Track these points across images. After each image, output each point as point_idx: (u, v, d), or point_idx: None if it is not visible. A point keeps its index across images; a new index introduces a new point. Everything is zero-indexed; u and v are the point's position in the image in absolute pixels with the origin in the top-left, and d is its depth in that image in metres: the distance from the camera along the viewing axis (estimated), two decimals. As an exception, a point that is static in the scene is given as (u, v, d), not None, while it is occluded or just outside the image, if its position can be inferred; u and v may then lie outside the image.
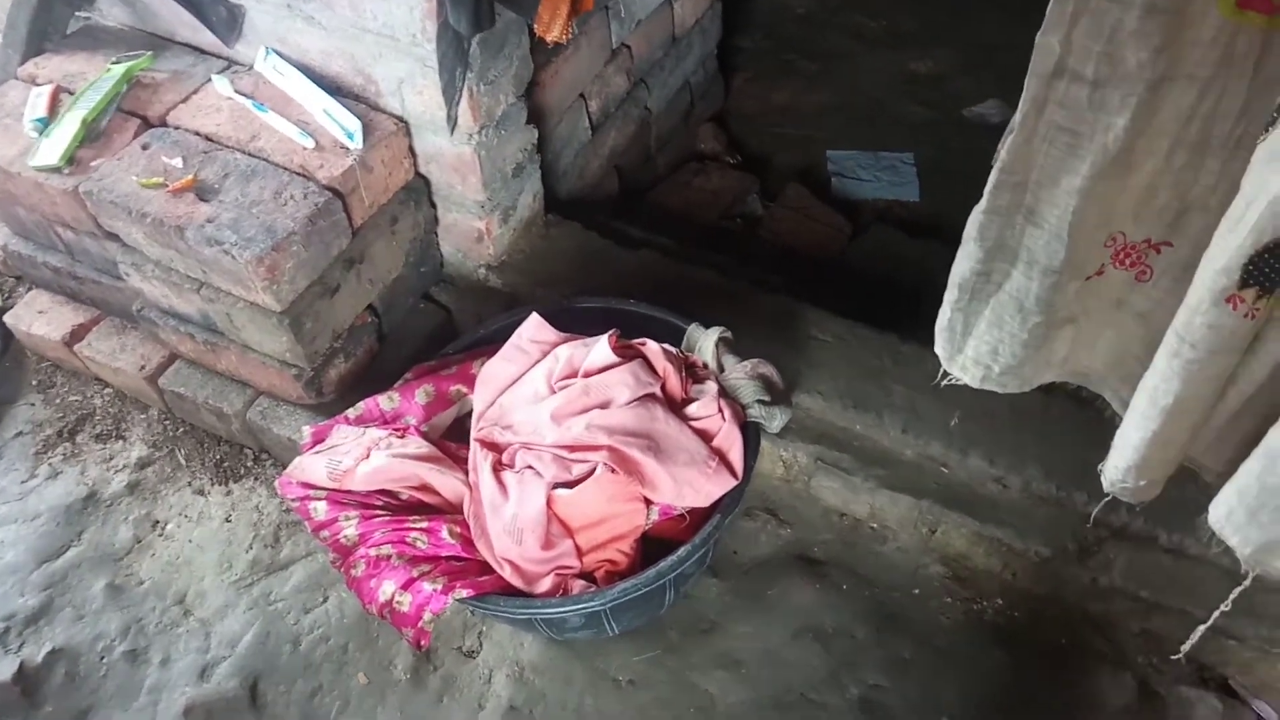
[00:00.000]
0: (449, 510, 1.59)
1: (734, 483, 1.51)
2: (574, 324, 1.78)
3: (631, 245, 2.11)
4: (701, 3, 2.60)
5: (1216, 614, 1.33)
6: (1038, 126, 1.21)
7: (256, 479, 1.95)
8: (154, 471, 1.97)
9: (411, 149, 1.87)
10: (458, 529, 1.53)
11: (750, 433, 1.60)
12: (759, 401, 1.62)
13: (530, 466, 1.54)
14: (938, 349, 1.51)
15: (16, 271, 2.18)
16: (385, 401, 1.70)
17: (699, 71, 2.72)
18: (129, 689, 1.69)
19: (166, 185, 1.72)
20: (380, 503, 1.57)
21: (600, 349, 1.60)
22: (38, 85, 1.94)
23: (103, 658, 1.72)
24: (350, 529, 1.53)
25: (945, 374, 1.53)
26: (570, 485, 1.50)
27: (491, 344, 1.76)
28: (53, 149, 1.80)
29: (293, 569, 1.82)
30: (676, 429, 1.55)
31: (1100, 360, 1.44)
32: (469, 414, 1.70)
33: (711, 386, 1.62)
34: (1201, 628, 1.40)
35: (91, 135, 1.83)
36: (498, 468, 1.57)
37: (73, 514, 1.91)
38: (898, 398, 1.82)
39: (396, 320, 2.00)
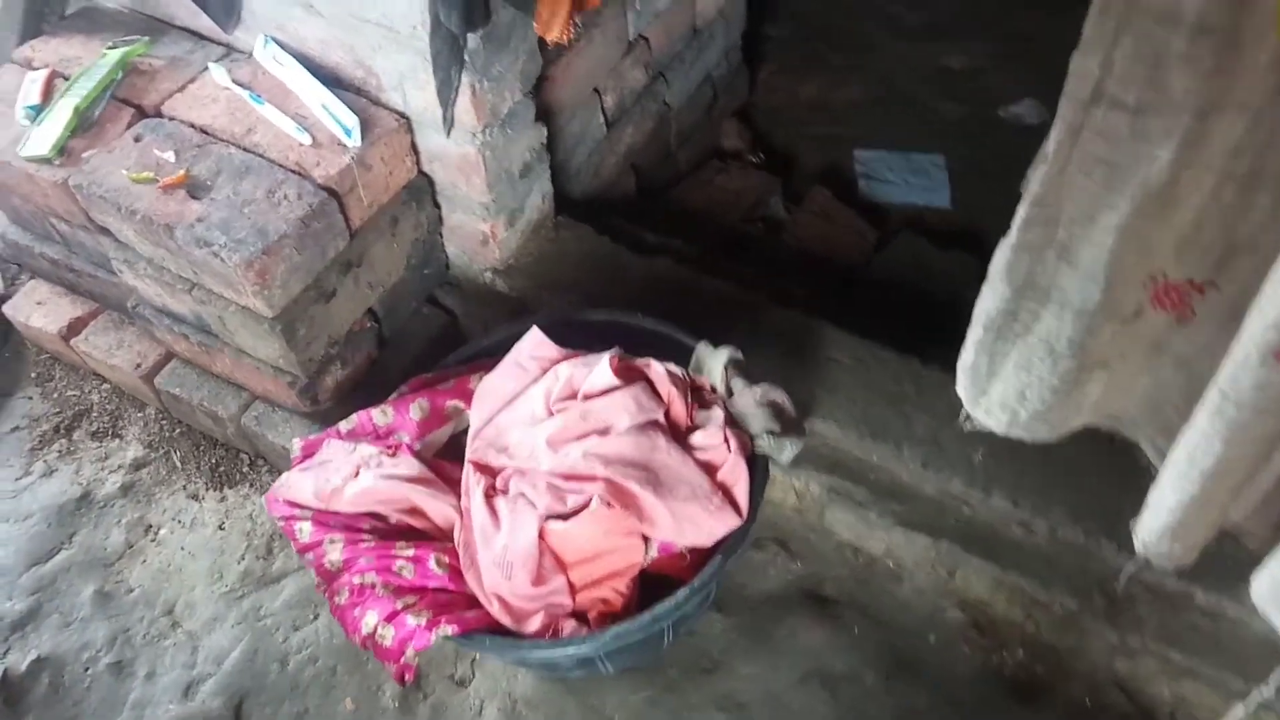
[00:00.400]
0: (439, 536, 1.52)
1: (738, 521, 1.43)
2: (578, 337, 1.70)
3: (645, 251, 2.02)
4: (727, -9, 2.49)
5: (1256, 695, 1.23)
6: (1073, 156, 1.10)
7: (252, 485, 1.89)
8: (149, 473, 1.92)
9: (414, 146, 1.79)
10: (446, 559, 1.47)
11: (758, 466, 1.52)
12: (768, 432, 1.54)
13: (523, 494, 1.46)
14: (960, 390, 1.42)
15: (16, 260, 2.13)
16: (379, 416, 1.63)
17: (722, 64, 2.62)
18: (112, 703, 1.65)
19: (157, 181, 1.65)
20: (367, 526, 1.51)
21: (601, 370, 1.52)
22: (33, 70, 1.88)
23: (87, 669, 1.68)
24: (335, 554, 1.47)
25: (968, 416, 1.44)
26: (565, 517, 1.43)
27: (492, 356, 1.69)
28: (43, 139, 1.74)
29: (284, 583, 1.77)
30: (679, 460, 1.47)
31: (1135, 406, 1.34)
32: (465, 430, 1.63)
33: (718, 414, 1.54)
34: (1241, 709, 1.30)
35: (84, 124, 1.77)
36: (490, 493, 1.50)
37: (65, 515, 1.87)
38: (919, 428, 1.72)
39: (398, 324, 1.93)
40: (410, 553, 1.46)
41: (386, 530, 1.52)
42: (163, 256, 1.69)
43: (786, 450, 1.56)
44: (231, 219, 1.60)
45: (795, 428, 1.59)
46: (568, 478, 1.45)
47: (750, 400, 1.57)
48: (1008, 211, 1.19)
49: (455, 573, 1.46)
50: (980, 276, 1.30)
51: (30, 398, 2.04)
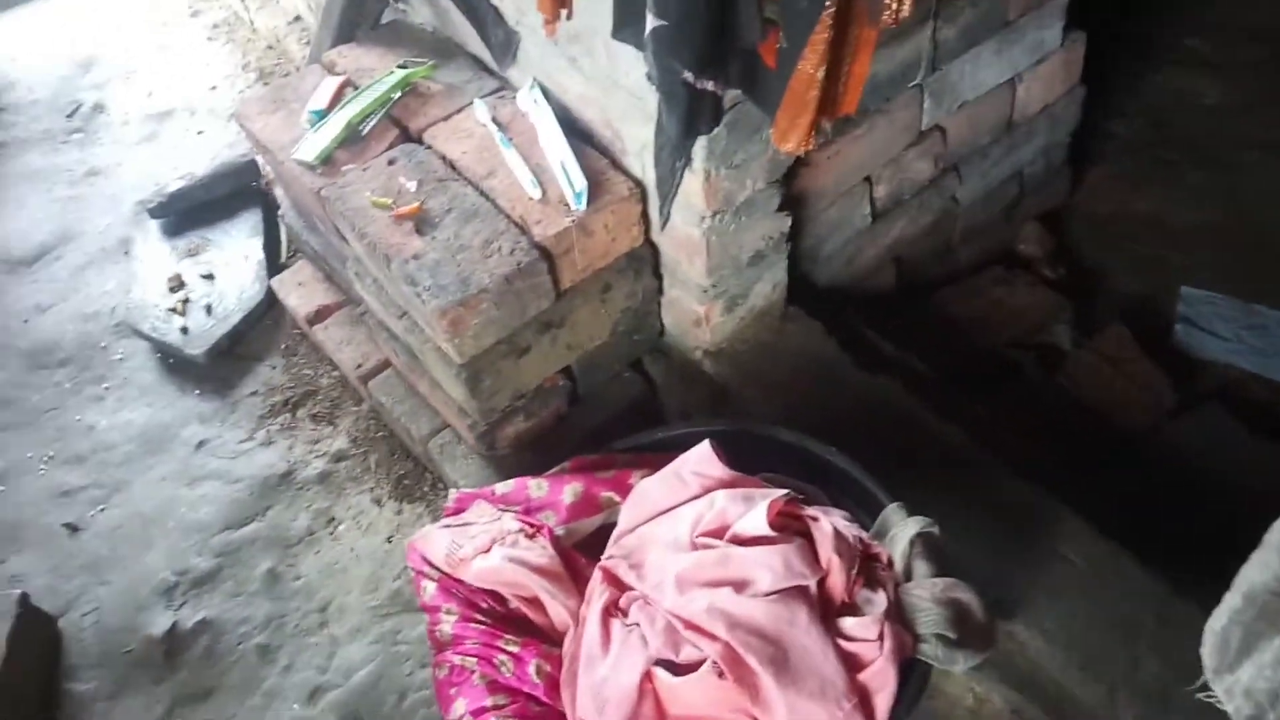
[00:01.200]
0: (550, 636, 1.44)
1: (864, 740, 1.21)
2: (758, 455, 1.55)
3: (873, 366, 1.80)
4: (1057, 85, 2.16)
5: None
6: None
7: (428, 506, 1.93)
8: (346, 468, 2.01)
9: (644, 215, 1.70)
10: (547, 667, 1.38)
11: (914, 674, 1.29)
12: (938, 636, 1.30)
13: (639, 626, 1.34)
14: (1204, 654, 1.13)
15: (294, 239, 2.32)
16: (535, 488, 1.57)
17: (1038, 161, 2.29)
18: (250, 684, 1.74)
19: (393, 208, 1.69)
20: (485, 605, 1.45)
21: (756, 515, 1.35)
22: (332, 75, 2.00)
23: (240, 643, 1.79)
24: (448, 625, 1.43)
25: (1206, 685, 1.14)
26: (675, 667, 1.29)
27: (666, 452, 1.57)
28: (314, 146, 1.84)
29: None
30: (817, 644, 1.27)
31: None
32: (613, 524, 1.53)
33: (882, 600, 1.32)
34: None
35: (352, 138, 1.85)
36: (610, 611, 1.39)
37: (267, 488, 2.00)
38: (1146, 674, 1.39)
39: (594, 385, 1.87)
40: (515, 649, 1.39)
41: (503, 615, 1.46)
42: (384, 279, 1.73)
43: (958, 663, 1.31)
44: (443, 262, 1.60)
45: (980, 637, 1.33)
46: (688, 625, 1.31)
47: (927, 592, 1.33)
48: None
49: (552, 684, 1.37)
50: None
51: (274, 367, 2.21)
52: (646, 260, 1.76)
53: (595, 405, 1.86)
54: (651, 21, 1.22)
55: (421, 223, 1.66)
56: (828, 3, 1.11)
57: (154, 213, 2.51)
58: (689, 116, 1.28)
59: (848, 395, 1.75)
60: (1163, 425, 1.93)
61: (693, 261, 1.69)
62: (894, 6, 1.05)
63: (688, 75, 1.23)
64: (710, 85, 1.25)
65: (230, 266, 2.40)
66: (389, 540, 1.89)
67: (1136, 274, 2.29)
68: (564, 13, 1.46)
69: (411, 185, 1.72)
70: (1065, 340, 2.13)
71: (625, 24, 1.36)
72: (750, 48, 1.24)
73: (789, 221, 1.75)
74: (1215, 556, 1.36)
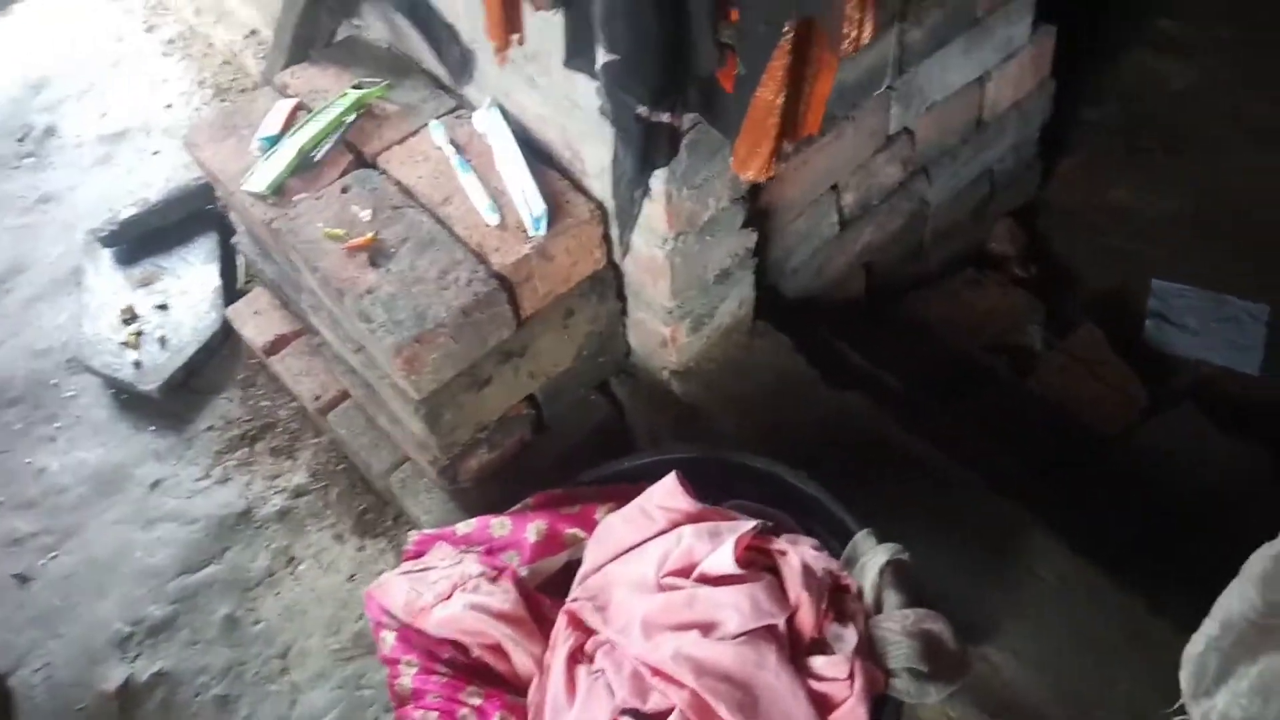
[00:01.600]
0: (516, 685, 1.39)
1: (835, 785, 1.18)
2: (726, 482, 1.51)
3: (842, 380, 1.76)
4: (1027, 80, 2.12)
5: None
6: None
7: (390, 541, 1.88)
8: (306, 503, 1.96)
9: (606, 236, 1.65)
10: (512, 718, 1.34)
11: (885, 710, 1.25)
12: (910, 670, 1.26)
13: (605, 673, 1.30)
14: (1182, 678, 1.11)
15: (249, 265, 2.25)
16: (497, 527, 1.52)
17: (1007, 158, 2.24)
18: (210, 736, 1.69)
19: (346, 240, 1.64)
20: (447, 655, 1.41)
21: (723, 553, 1.31)
22: (284, 97, 1.94)
23: (198, 694, 1.74)
24: (407, 679, 1.39)
25: (1182, 709, 1.12)
26: (642, 716, 1.25)
27: (633, 483, 1.52)
28: (264, 176, 1.77)
29: (391, 656, 1.73)
30: (787, 686, 1.23)
31: None
32: (579, 561, 1.49)
33: (852, 635, 1.28)
34: None
35: (305, 165, 1.79)
36: (576, 656, 1.34)
37: (225, 527, 1.94)
38: (1120, 694, 1.36)
39: (559, 411, 1.82)
40: (478, 701, 1.35)
41: (465, 664, 1.41)
42: (338, 314, 1.67)
43: (930, 695, 1.28)
44: (398, 296, 1.54)
45: (952, 668, 1.30)
46: (655, 672, 1.26)
47: (898, 625, 1.29)
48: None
49: (517, 736, 1.33)
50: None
51: (231, 399, 2.14)
52: (609, 282, 1.71)
53: (561, 432, 1.82)
54: (603, 55, 1.17)
55: (376, 254, 1.61)
56: (785, 29, 1.06)
57: (106, 241, 2.44)
58: (645, 150, 1.24)
59: (817, 412, 1.71)
60: (1135, 427, 1.90)
61: (657, 284, 1.64)
62: (854, 34, 1.00)
63: (642, 110, 1.18)
64: (666, 117, 1.20)
65: (186, 295, 2.33)
66: (351, 579, 1.84)
67: (1108, 268, 2.25)
68: (515, 38, 1.41)
69: (366, 214, 1.66)
70: (1037, 341, 2.10)
71: (577, 53, 1.31)
72: (707, 75, 1.19)
73: (755, 237, 1.70)
74: (1189, 564, 1.34)
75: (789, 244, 1.87)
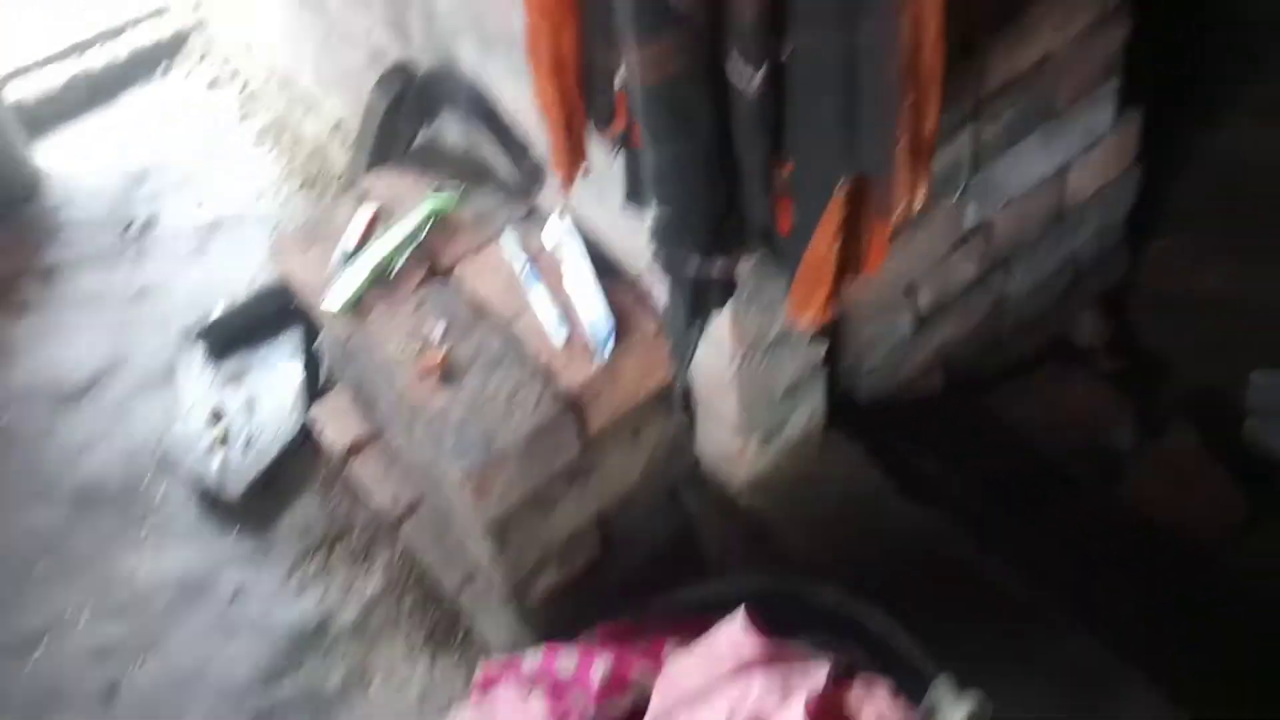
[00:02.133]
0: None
1: None
2: (797, 610, 1.47)
3: (917, 494, 1.70)
4: (1111, 167, 2.04)
5: None
6: None
7: (460, 658, 1.87)
8: (380, 614, 1.97)
9: (674, 351, 1.64)
10: None
11: None
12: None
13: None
14: None
15: (331, 364, 2.31)
16: (563, 661, 1.50)
17: (1090, 244, 2.16)
18: None
19: (419, 360, 1.66)
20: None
21: (794, 714, 1.26)
22: (365, 203, 1.98)
23: (275, 814, 1.76)
24: (472, 823, 1.37)
25: None
26: None
27: (705, 612, 1.49)
28: (340, 293, 1.81)
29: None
30: None
31: None
32: (646, 700, 1.46)
33: (927, 800, 1.22)
34: None
35: (382, 279, 1.83)
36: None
37: (303, 640, 1.96)
38: None
39: (628, 524, 1.80)
40: None
41: (531, 806, 1.39)
42: (409, 433, 1.70)
43: None
44: (467, 420, 1.56)
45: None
46: (720, 835, 1.22)
47: (979, 786, 1.23)
48: None
49: None
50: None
51: (310, 502, 2.18)
52: (678, 394, 1.70)
53: (630, 546, 1.80)
54: (654, 207, 1.17)
55: (448, 373, 1.62)
56: (836, 190, 1.04)
57: (197, 337, 2.54)
58: (695, 300, 1.22)
59: (887, 534, 1.66)
60: (1233, 541, 1.78)
61: (724, 399, 1.62)
62: (903, 208, 0.98)
63: (694, 262, 1.17)
64: (717, 271, 1.19)
65: (271, 392, 2.39)
66: (422, 699, 1.84)
67: (1205, 360, 2.13)
68: (582, 169, 1.41)
69: (439, 329, 1.68)
70: (1126, 444, 1.99)
71: (636, 193, 1.31)
72: (761, 228, 1.17)
73: (825, 348, 1.67)
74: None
75: (861, 350, 1.83)
